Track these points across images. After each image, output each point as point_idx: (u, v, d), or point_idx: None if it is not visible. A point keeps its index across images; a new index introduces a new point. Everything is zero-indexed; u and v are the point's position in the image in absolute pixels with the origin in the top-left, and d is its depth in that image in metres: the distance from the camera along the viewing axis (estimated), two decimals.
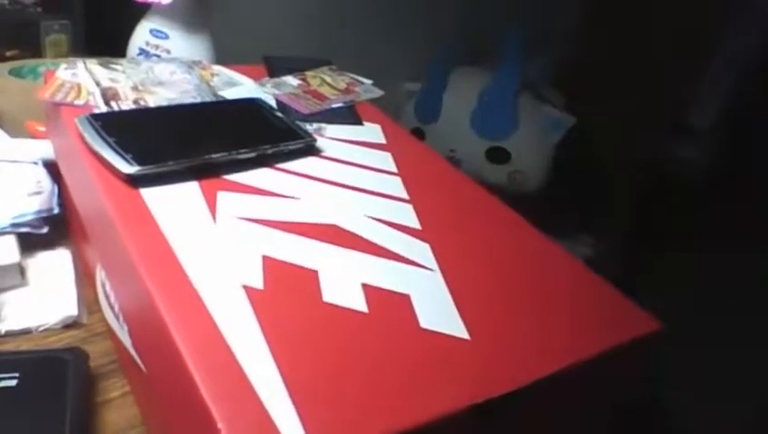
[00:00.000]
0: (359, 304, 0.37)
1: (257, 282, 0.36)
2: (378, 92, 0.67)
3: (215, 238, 0.40)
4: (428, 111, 1.67)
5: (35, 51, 0.87)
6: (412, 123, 1.70)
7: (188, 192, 0.43)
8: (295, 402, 0.30)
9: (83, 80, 0.53)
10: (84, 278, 0.56)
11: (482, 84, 1.61)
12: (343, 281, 0.38)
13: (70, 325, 0.51)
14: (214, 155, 0.46)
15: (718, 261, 1.73)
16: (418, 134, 1.67)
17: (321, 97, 0.62)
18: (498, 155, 1.60)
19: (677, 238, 1.86)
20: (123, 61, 0.58)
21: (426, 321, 0.36)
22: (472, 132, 1.61)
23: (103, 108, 0.50)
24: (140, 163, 0.42)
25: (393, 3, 1.64)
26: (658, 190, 1.84)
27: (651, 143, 1.84)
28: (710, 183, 1.86)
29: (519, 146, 1.59)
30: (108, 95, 0.51)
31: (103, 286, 0.49)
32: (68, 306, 0.51)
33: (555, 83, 1.79)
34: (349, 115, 0.61)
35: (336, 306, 0.36)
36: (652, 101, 1.81)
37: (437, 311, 0.37)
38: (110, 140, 0.44)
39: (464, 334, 0.36)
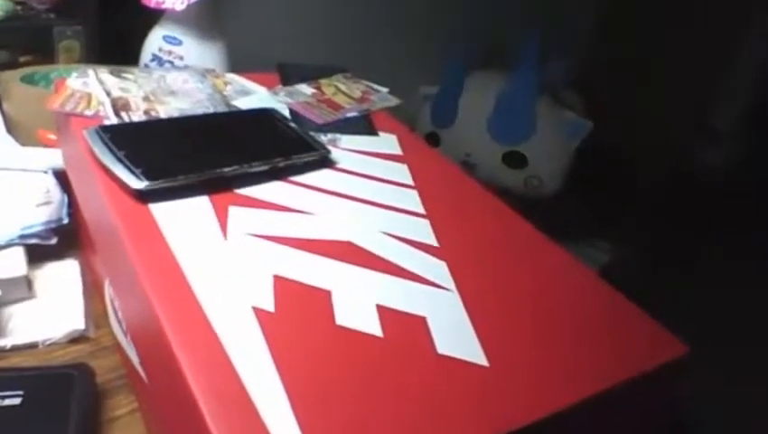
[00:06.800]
0: (373, 327, 0.35)
1: (268, 304, 0.35)
2: (394, 101, 0.65)
3: (225, 256, 0.38)
4: (444, 115, 1.66)
5: (48, 57, 0.87)
6: (428, 127, 1.68)
7: (198, 207, 0.42)
8: (304, 432, 0.28)
9: (94, 90, 0.52)
10: (93, 290, 0.55)
11: (498, 87, 1.59)
12: (357, 303, 0.37)
13: (77, 338, 0.50)
14: (226, 169, 0.45)
15: (741, 265, 1.70)
16: (434, 138, 1.66)
17: (335, 106, 0.61)
18: (515, 160, 1.58)
19: (697, 242, 1.83)
20: (135, 69, 0.57)
21: (442, 346, 0.35)
22: (488, 136, 1.60)
23: (113, 119, 0.49)
24: (149, 178, 0.41)
25: (407, 7, 1.63)
26: (678, 193, 1.81)
27: (672, 146, 1.81)
28: (734, 186, 1.83)
29: (537, 151, 1.57)
30: (119, 105, 0.50)
31: (112, 300, 0.48)
32: (75, 320, 0.50)
33: (573, 86, 1.76)
34: (364, 125, 0.59)
35: (350, 330, 0.35)
36: (673, 103, 1.79)
37: (455, 335, 0.36)
38: (119, 154, 0.43)
39: (483, 361, 0.34)
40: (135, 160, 0.42)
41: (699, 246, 1.81)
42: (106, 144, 0.43)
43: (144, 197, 0.41)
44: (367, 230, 0.44)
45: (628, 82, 1.86)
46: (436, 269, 0.41)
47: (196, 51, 0.75)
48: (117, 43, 0.83)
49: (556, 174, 1.60)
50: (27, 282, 0.52)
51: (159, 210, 0.41)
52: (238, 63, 0.78)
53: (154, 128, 0.49)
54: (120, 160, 0.42)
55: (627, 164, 1.84)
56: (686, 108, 1.79)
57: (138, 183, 0.40)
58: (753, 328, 1.57)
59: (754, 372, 1.42)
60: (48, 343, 0.49)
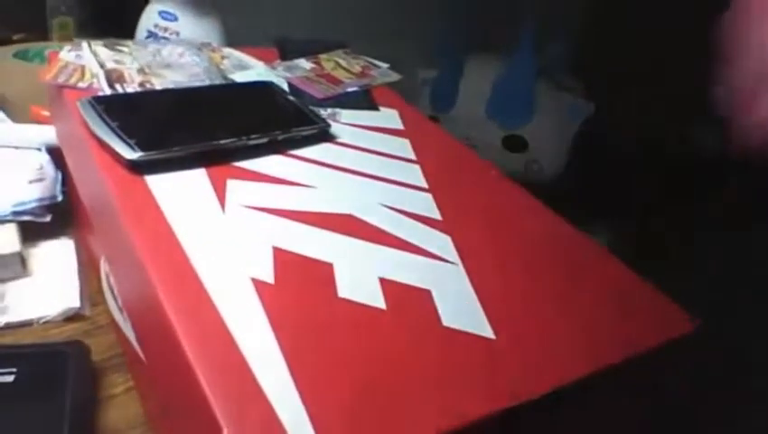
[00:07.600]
0: (376, 300, 0.34)
1: (268, 276, 0.34)
2: (395, 76, 0.64)
3: (223, 228, 0.37)
4: (444, 99, 1.65)
5: (43, 34, 0.85)
6: (427, 111, 1.67)
7: (195, 179, 0.41)
8: (306, 406, 0.27)
9: (87, 62, 0.50)
10: (88, 268, 0.54)
11: (498, 71, 1.57)
12: (360, 275, 0.36)
13: (72, 317, 0.49)
14: (223, 141, 0.43)
15: (739, 248, 1.69)
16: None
17: (335, 81, 0.60)
18: (515, 144, 1.57)
19: (695, 225, 1.82)
20: (129, 42, 0.56)
21: (448, 319, 0.34)
22: (488, 120, 1.58)
23: (107, 91, 0.48)
24: (144, 148, 0.40)
25: None
26: (677, 175, 1.80)
27: (672, 128, 1.80)
28: (730, 167, 1.82)
29: (537, 134, 1.56)
30: (113, 77, 0.49)
31: (107, 277, 0.47)
32: (70, 298, 0.49)
33: (573, 69, 1.75)
34: (364, 99, 0.58)
35: (352, 303, 0.34)
36: (672, 87, 1.77)
37: (460, 308, 0.35)
38: (113, 124, 0.41)
39: (490, 334, 0.33)
40: (129, 131, 0.41)
41: (698, 229, 1.80)
42: (99, 115, 0.42)
43: (138, 169, 0.40)
44: (368, 203, 0.43)
45: (627, 65, 1.85)
46: (440, 243, 0.40)
47: (192, 27, 0.73)
48: (112, 20, 0.81)
49: (556, 157, 1.59)
50: (21, 259, 0.50)
51: (155, 182, 0.40)
52: (235, 41, 0.77)
53: (150, 99, 0.48)
54: (114, 131, 0.41)
55: (625, 147, 1.83)
56: (684, 91, 1.78)
57: (132, 154, 0.39)
58: (749, 312, 1.57)
59: (755, 358, 1.42)
60: (43, 321, 0.48)
